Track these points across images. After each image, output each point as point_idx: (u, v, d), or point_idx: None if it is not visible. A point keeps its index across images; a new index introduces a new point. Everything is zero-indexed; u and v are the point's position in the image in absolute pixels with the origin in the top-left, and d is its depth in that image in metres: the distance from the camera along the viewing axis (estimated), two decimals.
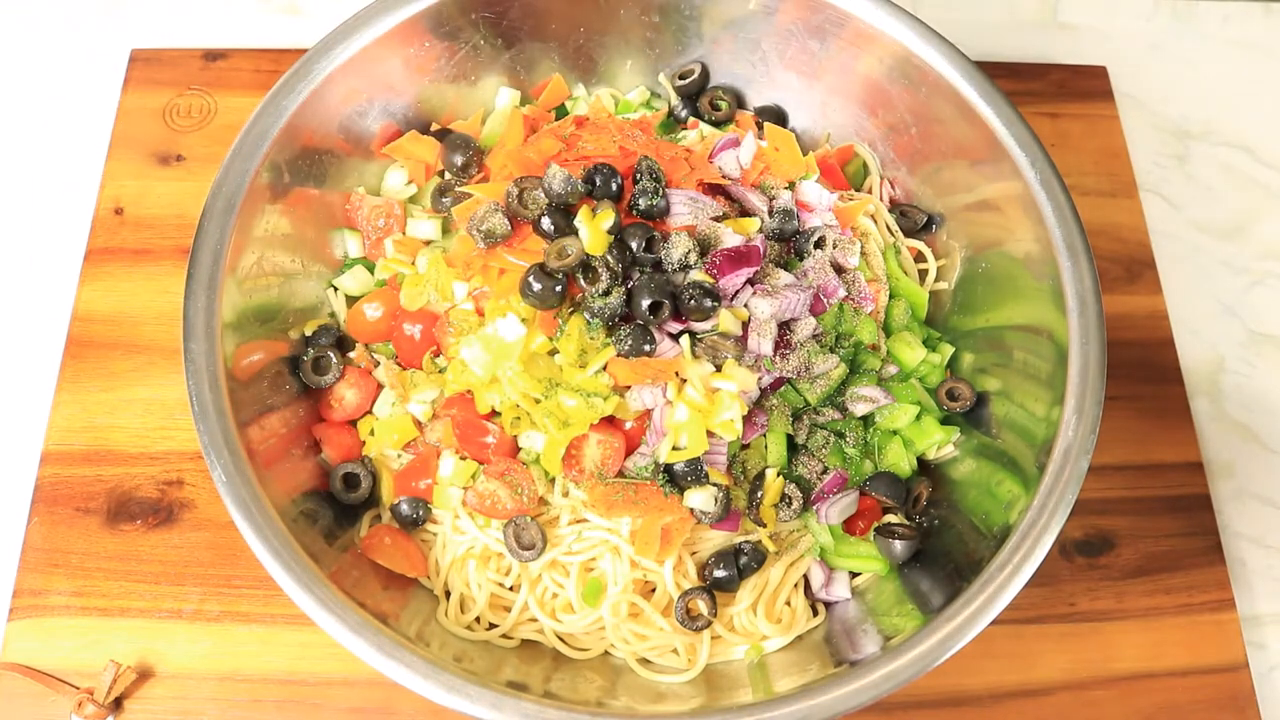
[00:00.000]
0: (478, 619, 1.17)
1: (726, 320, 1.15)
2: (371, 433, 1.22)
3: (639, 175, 1.21)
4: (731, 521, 1.17)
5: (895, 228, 1.37)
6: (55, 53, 1.60)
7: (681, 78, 1.42)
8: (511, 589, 1.18)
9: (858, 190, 1.40)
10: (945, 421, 1.27)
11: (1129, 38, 1.74)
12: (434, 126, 1.37)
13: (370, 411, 1.23)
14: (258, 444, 1.07)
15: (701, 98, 1.42)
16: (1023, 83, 1.63)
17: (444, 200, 1.30)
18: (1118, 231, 1.54)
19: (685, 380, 1.14)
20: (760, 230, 1.23)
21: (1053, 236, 1.16)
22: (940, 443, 1.26)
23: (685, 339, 1.15)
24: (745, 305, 1.18)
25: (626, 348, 1.12)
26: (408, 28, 1.25)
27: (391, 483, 1.21)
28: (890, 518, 1.24)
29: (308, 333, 1.25)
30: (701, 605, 1.14)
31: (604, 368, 1.13)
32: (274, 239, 1.20)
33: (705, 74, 1.42)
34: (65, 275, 1.42)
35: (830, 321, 1.24)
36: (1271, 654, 1.32)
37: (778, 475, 1.18)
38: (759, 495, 1.18)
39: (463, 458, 1.18)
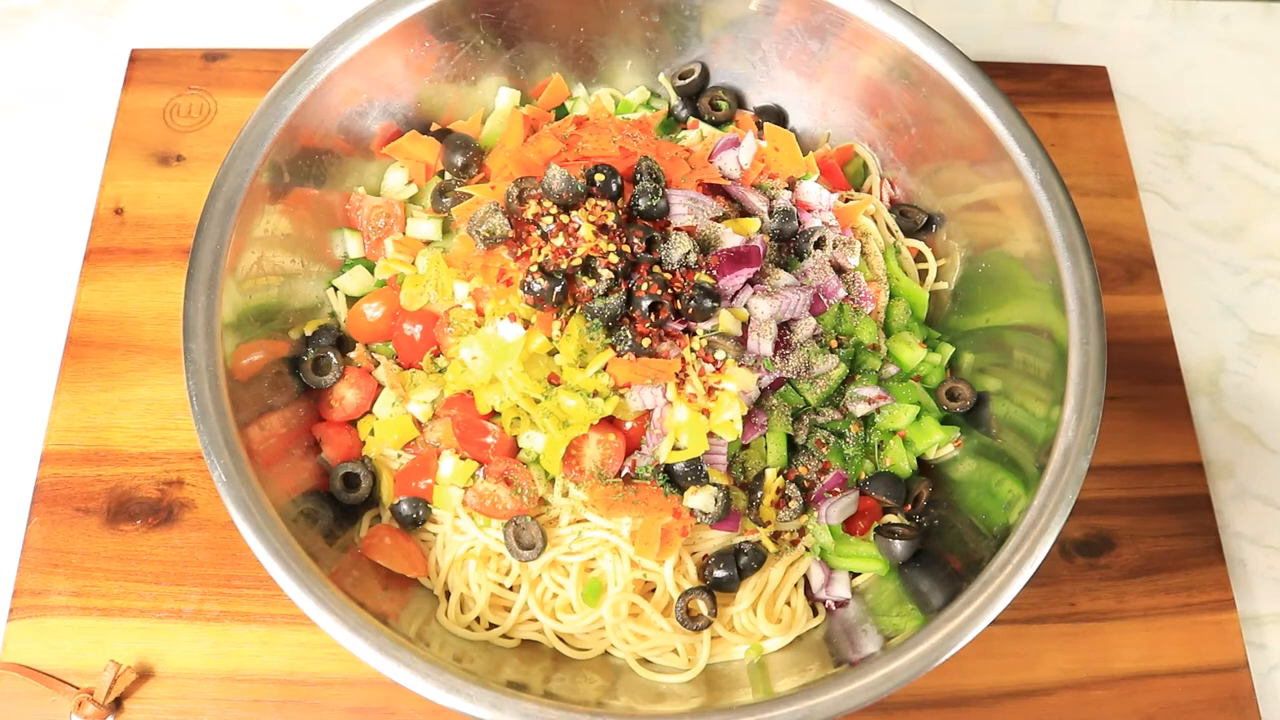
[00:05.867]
0: (478, 619, 1.17)
1: (726, 320, 1.15)
2: (371, 433, 1.22)
3: (639, 175, 1.21)
4: (731, 521, 1.17)
5: (895, 228, 1.37)
6: (55, 53, 1.60)
7: (681, 78, 1.42)
8: (511, 589, 1.18)
9: (858, 190, 1.40)
10: (945, 421, 1.27)
11: (1129, 38, 1.74)
12: (434, 126, 1.37)
13: (370, 411, 1.23)
14: (258, 444, 1.07)
15: (701, 98, 1.42)
16: (1023, 83, 1.63)
17: (444, 200, 1.30)
18: (1118, 231, 1.54)
19: (685, 380, 1.14)
20: (760, 230, 1.23)
21: (1053, 236, 1.16)
22: (940, 443, 1.26)
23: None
24: (745, 305, 1.18)
25: (626, 348, 1.12)
26: (408, 28, 1.25)
27: (391, 483, 1.21)
28: (890, 518, 1.24)
29: (308, 333, 1.25)
30: (701, 605, 1.14)
31: (604, 368, 1.13)
32: (274, 239, 1.20)
33: (705, 74, 1.42)
34: (65, 275, 1.42)
35: (830, 321, 1.24)
36: (1271, 654, 1.32)
37: (778, 475, 1.18)
38: (759, 495, 1.18)
39: (463, 458, 1.18)
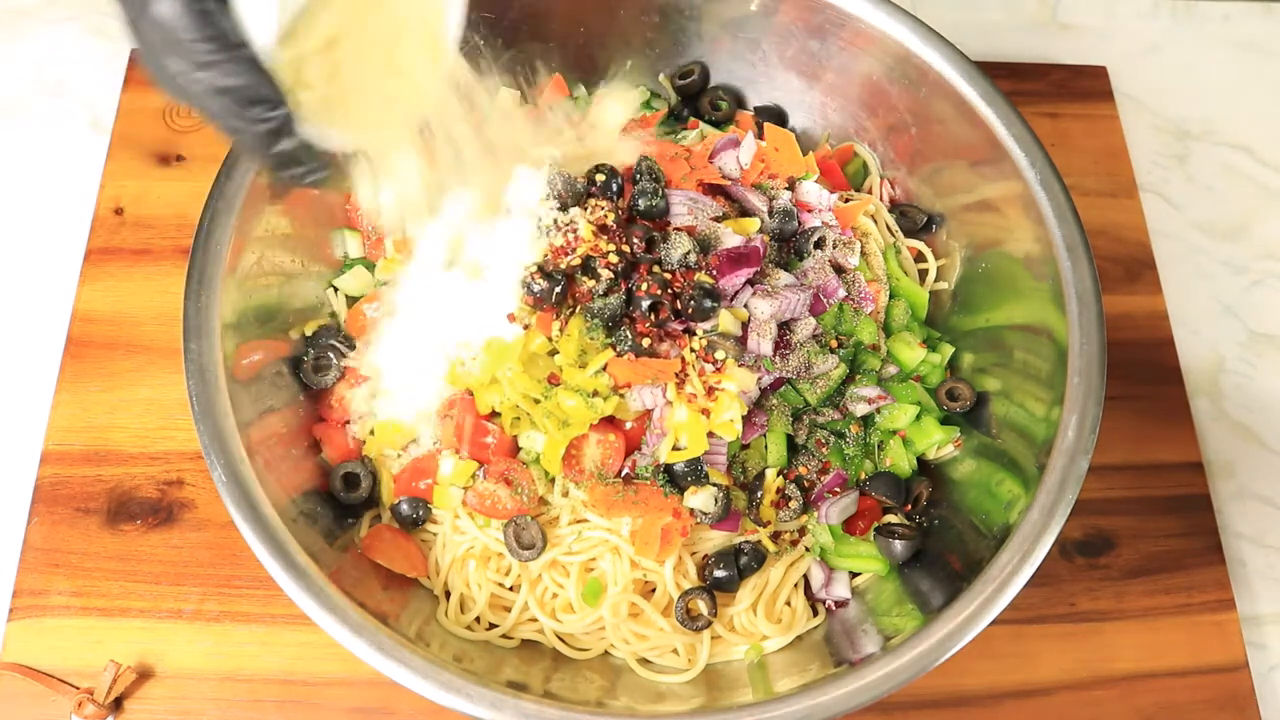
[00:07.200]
0: (478, 619, 1.17)
1: (726, 320, 1.15)
2: (371, 433, 1.22)
3: (639, 175, 1.21)
4: (731, 521, 1.17)
5: (895, 228, 1.37)
6: (55, 53, 1.60)
7: (681, 78, 1.42)
8: (511, 589, 1.18)
9: (858, 190, 1.40)
10: (945, 421, 1.27)
11: (1129, 38, 1.74)
12: None
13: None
14: (258, 444, 1.07)
15: (701, 98, 1.42)
16: (1023, 83, 1.63)
17: None
18: (1118, 231, 1.54)
19: (685, 380, 1.14)
20: (760, 230, 1.23)
21: (1053, 236, 1.16)
22: (940, 443, 1.26)
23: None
24: (745, 305, 1.18)
25: (626, 348, 1.12)
26: None
27: (391, 483, 1.21)
28: (890, 518, 1.24)
29: (308, 333, 1.25)
30: (701, 605, 1.14)
31: (604, 368, 1.13)
32: (274, 239, 1.20)
33: (705, 74, 1.42)
34: (65, 275, 1.42)
35: (830, 322, 1.24)
36: (1271, 654, 1.32)
37: (778, 475, 1.18)
38: (759, 495, 1.18)
39: (463, 458, 1.18)
